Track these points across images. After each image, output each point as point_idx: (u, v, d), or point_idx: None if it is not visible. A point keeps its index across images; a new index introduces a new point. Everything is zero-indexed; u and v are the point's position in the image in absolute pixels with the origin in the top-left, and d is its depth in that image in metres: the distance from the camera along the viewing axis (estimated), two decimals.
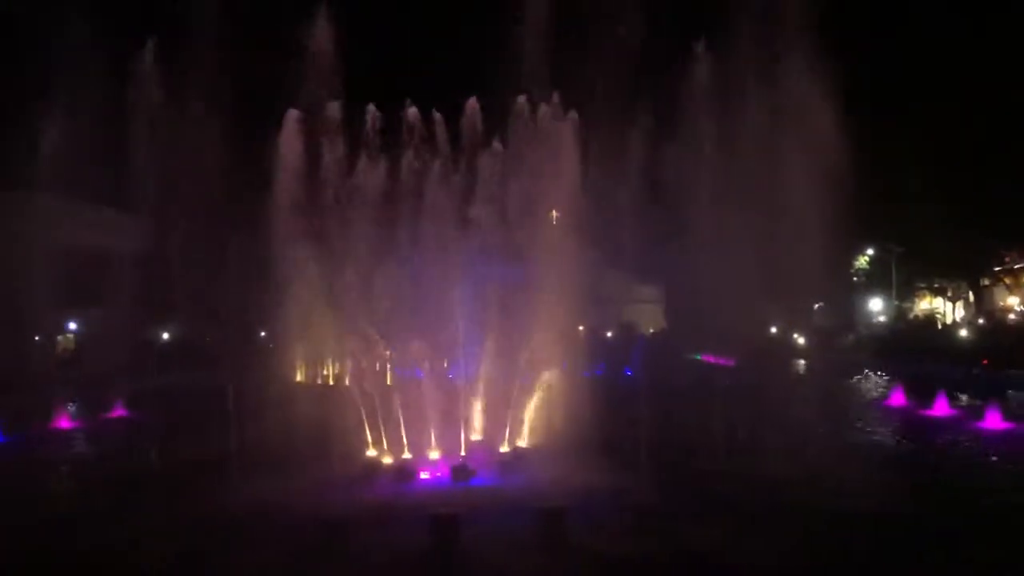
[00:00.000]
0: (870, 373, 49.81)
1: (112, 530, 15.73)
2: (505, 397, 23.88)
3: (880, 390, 40.43)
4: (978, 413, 28.23)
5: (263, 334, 57.32)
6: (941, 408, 30.86)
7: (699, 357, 54.67)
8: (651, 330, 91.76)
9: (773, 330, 44.21)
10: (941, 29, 59.86)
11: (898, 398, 34.41)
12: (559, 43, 24.53)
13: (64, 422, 27.71)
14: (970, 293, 74.89)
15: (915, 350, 51.50)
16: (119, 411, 30.83)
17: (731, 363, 50.75)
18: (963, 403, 31.14)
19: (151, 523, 15.82)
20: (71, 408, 27.32)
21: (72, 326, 52.14)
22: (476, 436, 22.31)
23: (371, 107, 23.53)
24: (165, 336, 62.21)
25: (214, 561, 14.16)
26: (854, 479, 18.75)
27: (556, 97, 24.31)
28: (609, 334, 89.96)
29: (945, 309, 79.99)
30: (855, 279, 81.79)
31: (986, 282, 73.00)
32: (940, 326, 70.36)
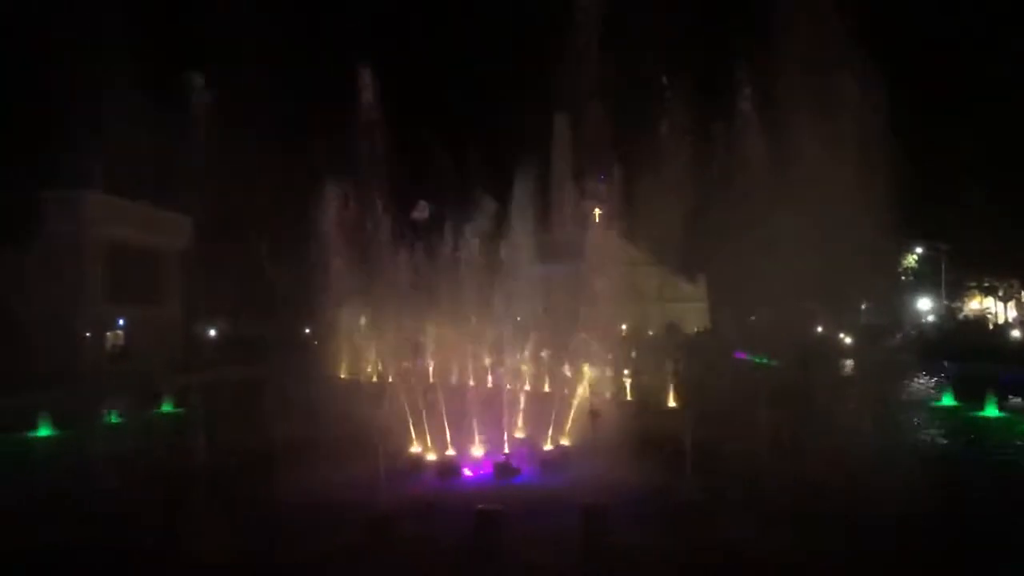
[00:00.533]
0: (919, 373, 49.16)
1: (162, 523, 16.01)
2: (549, 396, 23.98)
3: (929, 391, 39.89)
4: None
5: (307, 331, 57.95)
6: (991, 409, 30.41)
7: (757, 360, 54.19)
8: (696, 329, 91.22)
9: (820, 329, 43.78)
10: (993, 31, 59.11)
11: (947, 399, 33.97)
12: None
13: (113, 417, 28.22)
14: (1022, 293, 73.60)
15: (965, 350, 50.74)
16: (167, 406, 31.33)
17: (775, 362, 50.42)
18: (1014, 405, 30.58)
19: (201, 517, 16.04)
20: (120, 403, 27.74)
21: (121, 322, 53.01)
22: (519, 434, 22.36)
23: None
24: (212, 332, 63.10)
25: (265, 553, 14.38)
26: (895, 482, 18.61)
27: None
28: (650, 332, 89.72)
29: (996, 309, 78.67)
30: (903, 278, 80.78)
31: None
32: (991, 326, 69.27)
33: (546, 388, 30.73)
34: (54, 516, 16.91)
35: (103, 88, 53.44)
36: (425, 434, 21.67)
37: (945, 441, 26.58)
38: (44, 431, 29.30)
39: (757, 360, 53.88)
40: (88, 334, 49.58)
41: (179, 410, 28.95)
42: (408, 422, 21.83)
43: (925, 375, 47.61)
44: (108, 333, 54.90)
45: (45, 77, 49.20)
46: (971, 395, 32.36)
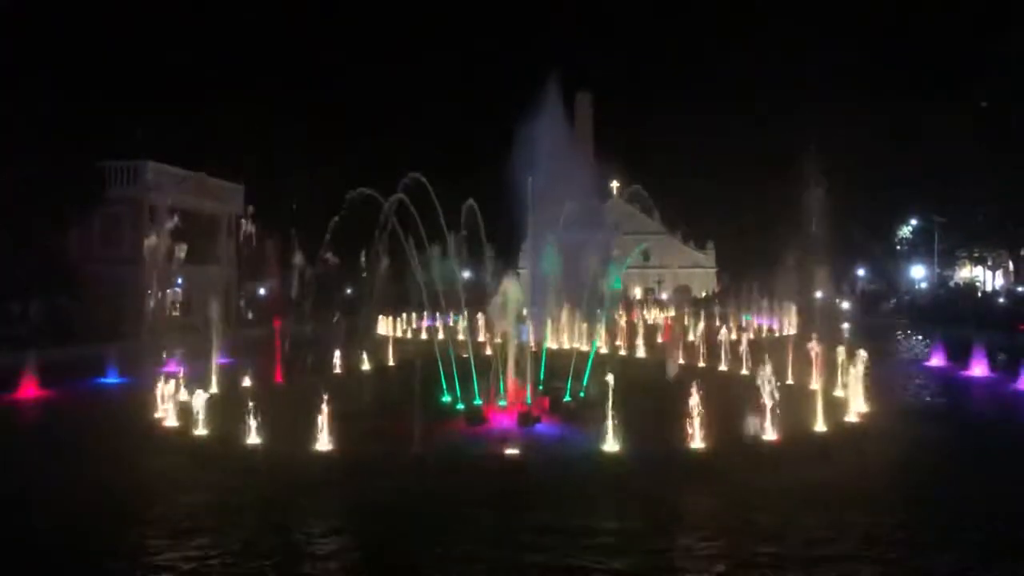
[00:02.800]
0: (911, 336, 48.93)
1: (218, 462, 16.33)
2: (569, 353, 24.12)
3: (920, 352, 39.77)
4: (1014, 376, 27.62)
5: (349, 291, 58.20)
6: (978, 370, 30.33)
7: (748, 318, 54.15)
8: (703, 294, 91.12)
9: (819, 294, 43.65)
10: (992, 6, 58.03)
11: (938, 360, 33.92)
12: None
13: (172, 366, 28.66)
14: (1010, 262, 72.75)
15: (955, 315, 50.49)
16: (222, 358, 31.79)
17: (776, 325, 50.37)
18: (999, 366, 30.44)
19: (258, 458, 16.33)
20: (179, 354, 28.09)
21: (180, 281, 53.53)
22: (541, 389, 22.49)
23: None
24: (262, 291, 63.64)
25: (312, 492, 14.68)
26: (881, 431, 18.77)
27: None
28: (664, 295, 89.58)
29: (985, 277, 77.87)
30: (898, 247, 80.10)
31: None
32: (980, 294, 68.69)
33: (567, 345, 30.84)
34: None
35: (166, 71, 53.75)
36: (457, 387, 21.94)
37: (929, 397, 26.66)
38: (112, 378, 29.86)
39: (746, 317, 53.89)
40: (150, 292, 50.08)
41: (232, 361, 29.29)
42: (442, 376, 22.10)
43: (918, 337, 47.41)
44: (168, 291, 55.48)
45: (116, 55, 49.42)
46: (959, 357, 32.33)
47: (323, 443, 15.86)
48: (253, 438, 16.76)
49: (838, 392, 21.92)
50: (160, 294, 50.57)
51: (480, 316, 35.43)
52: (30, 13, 43.33)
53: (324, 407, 15.90)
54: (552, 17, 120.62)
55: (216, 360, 26.73)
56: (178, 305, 53.92)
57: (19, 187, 40.38)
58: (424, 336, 40.90)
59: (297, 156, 68.13)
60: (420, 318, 45.87)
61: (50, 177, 41.74)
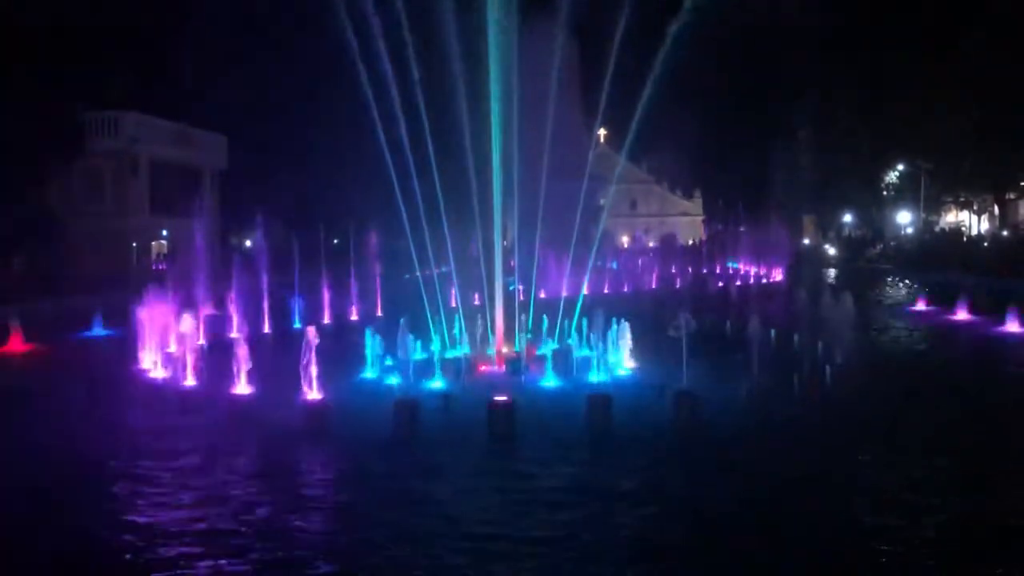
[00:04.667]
0: (897, 281, 49.22)
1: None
2: (555, 303, 24.23)
3: (906, 296, 40.08)
4: (998, 319, 27.89)
5: (336, 241, 58.06)
6: (962, 314, 30.58)
7: (735, 265, 54.39)
8: (690, 241, 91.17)
9: (806, 241, 43.82)
10: None
11: (922, 304, 34.20)
12: None
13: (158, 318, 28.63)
14: (995, 206, 73.01)
15: (940, 261, 50.76)
16: (208, 309, 31.69)
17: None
18: (983, 309, 30.71)
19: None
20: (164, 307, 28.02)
21: (165, 233, 53.25)
22: (529, 337, 22.59)
23: None
24: (248, 243, 63.34)
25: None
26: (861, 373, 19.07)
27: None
28: (651, 244, 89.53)
29: (970, 222, 78.19)
30: (885, 193, 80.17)
31: (1011, 196, 71.02)
32: (965, 238, 69.01)
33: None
34: None
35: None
36: (447, 335, 22.02)
37: (913, 341, 26.99)
38: (98, 330, 29.79)
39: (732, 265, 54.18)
40: (134, 244, 49.86)
41: (216, 312, 29.28)
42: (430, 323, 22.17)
43: (904, 282, 47.72)
44: (153, 243, 55.21)
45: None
46: (944, 301, 32.61)
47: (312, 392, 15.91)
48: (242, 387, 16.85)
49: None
50: (146, 246, 50.32)
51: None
52: None
53: (312, 356, 15.91)
54: None
55: (203, 312, 26.68)
56: (163, 257, 53.70)
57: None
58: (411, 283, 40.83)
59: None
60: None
61: (29, 129, 41.24)
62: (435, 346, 21.49)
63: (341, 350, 21.47)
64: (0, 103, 39.74)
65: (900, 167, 75.68)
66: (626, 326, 19.95)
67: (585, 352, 20.36)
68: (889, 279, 51.04)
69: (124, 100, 50.63)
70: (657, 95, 22.42)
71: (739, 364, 18.61)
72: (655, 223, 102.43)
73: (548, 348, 21.63)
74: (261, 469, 13.51)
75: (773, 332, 22.60)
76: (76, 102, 47.07)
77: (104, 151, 49.55)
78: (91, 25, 47.89)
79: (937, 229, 75.25)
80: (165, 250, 54.17)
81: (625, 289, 40.40)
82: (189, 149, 56.03)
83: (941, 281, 36.61)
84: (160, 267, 51.14)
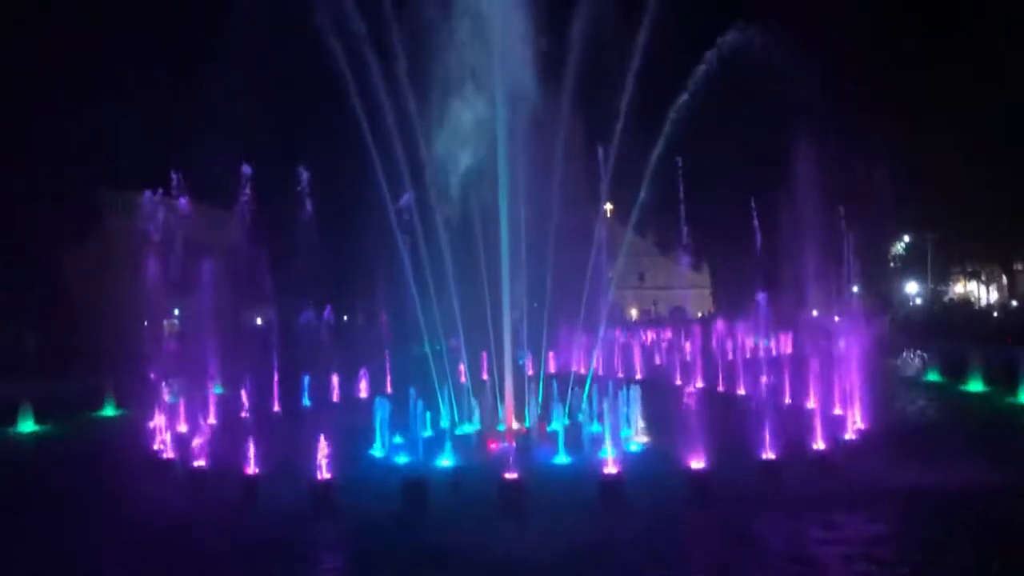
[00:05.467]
0: (908, 352, 48.87)
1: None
2: (564, 379, 24.10)
3: (918, 367, 39.73)
4: (1011, 390, 27.57)
5: (345, 318, 58.06)
6: (975, 384, 30.26)
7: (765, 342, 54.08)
8: (699, 314, 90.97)
9: (815, 312, 43.69)
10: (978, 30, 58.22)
11: (935, 375, 33.89)
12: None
13: (171, 396, 28.53)
14: (1003, 277, 72.90)
15: (950, 331, 50.46)
16: (218, 388, 31.59)
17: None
18: (996, 380, 30.38)
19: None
20: (176, 385, 27.95)
21: (176, 311, 53.38)
22: (539, 412, 22.40)
23: None
24: (259, 320, 63.46)
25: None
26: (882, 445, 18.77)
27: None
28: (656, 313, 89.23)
29: (979, 292, 77.97)
30: (892, 264, 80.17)
31: (1019, 266, 70.98)
32: (975, 309, 68.76)
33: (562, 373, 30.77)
34: None
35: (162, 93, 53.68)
36: (456, 410, 21.88)
37: (929, 411, 26.65)
38: (108, 411, 29.67)
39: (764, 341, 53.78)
40: (146, 322, 49.93)
41: (226, 390, 29.19)
42: (440, 398, 22.04)
43: (915, 352, 47.34)
44: (165, 321, 55.27)
45: (107, 85, 49.37)
46: (956, 371, 32.29)
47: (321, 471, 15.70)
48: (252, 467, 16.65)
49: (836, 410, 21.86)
50: (158, 323, 50.37)
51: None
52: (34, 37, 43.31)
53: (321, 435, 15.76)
54: None
55: (213, 390, 26.64)
56: (174, 334, 53.76)
57: (15, 217, 40.38)
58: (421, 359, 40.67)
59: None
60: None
61: (45, 208, 41.76)
62: (444, 422, 21.33)
63: (350, 427, 21.31)
64: (19, 182, 40.34)
65: (907, 238, 75.85)
66: (637, 402, 19.78)
67: (596, 428, 20.16)
68: (900, 350, 50.68)
69: (140, 179, 51.33)
70: (661, 170, 22.62)
71: (749, 434, 18.32)
72: (663, 295, 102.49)
73: (559, 424, 21.42)
74: (265, 551, 13.25)
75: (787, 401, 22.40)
76: (92, 181, 47.73)
77: (119, 229, 50.02)
78: (109, 104, 48.90)
79: (946, 299, 75.04)
80: (176, 328, 54.26)
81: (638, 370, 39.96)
82: (203, 227, 56.57)
83: (952, 352, 36.27)
84: (171, 345, 51.19)
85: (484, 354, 23.47)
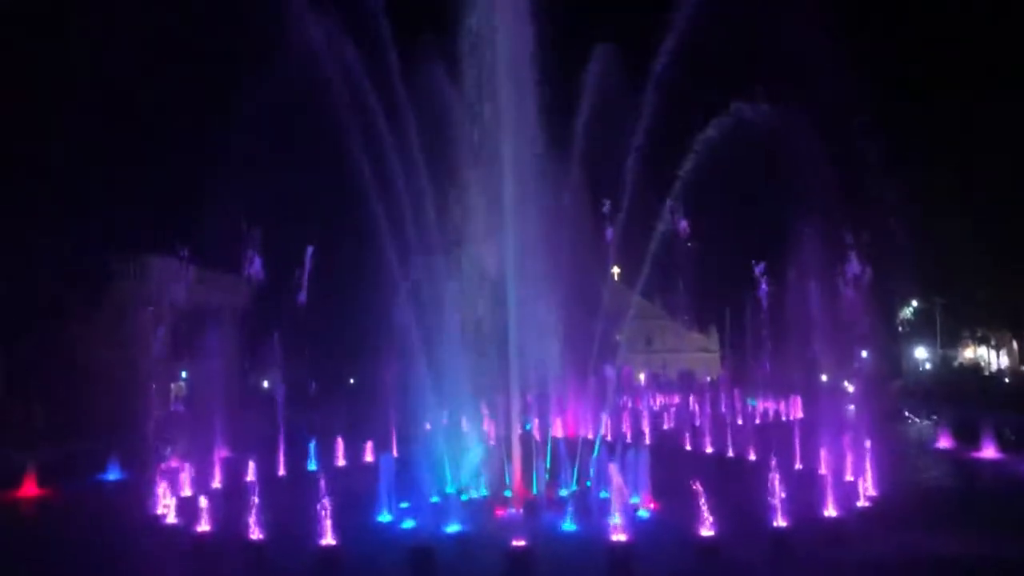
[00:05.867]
0: (918, 418, 48.46)
1: None
2: (572, 445, 23.93)
3: (929, 433, 39.32)
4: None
5: (352, 381, 57.98)
6: (988, 451, 29.91)
7: (754, 403, 53.74)
8: (708, 378, 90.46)
9: (824, 377, 43.41)
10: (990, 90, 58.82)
11: (946, 441, 33.48)
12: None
13: (174, 462, 28.38)
14: (1013, 342, 72.50)
15: (961, 397, 50.03)
16: (225, 452, 31.43)
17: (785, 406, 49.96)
18: (1009, 447, 30.03)
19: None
20: (180, 448, 27.82)
21: (184, 374, 53.38)
22: (546, 477, 22.18)
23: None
24: (266, 384, 63.33)
25: None
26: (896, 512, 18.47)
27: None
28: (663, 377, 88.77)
29: (989, 357, 77.49)
30: (900, 328, 79.89)
31: None
32: (985, 374, 68.28)
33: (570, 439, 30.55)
34: None
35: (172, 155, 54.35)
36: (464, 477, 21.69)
37: (943, 479, 26.26)
38: (113, 475, 29.46)
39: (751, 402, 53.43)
40: (153, 386, 49.87)
41: (236, 455, 29.01)
42: (449, 466, 21.84)
43: (927, 418, 46.91)
44: (172, 385, 55.22)
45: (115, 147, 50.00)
46: (968, 438, 31.92)
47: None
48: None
49: (848, 476, 21.60)
50: (165, 387, 50.33)
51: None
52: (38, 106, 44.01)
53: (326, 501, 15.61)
54: None
55: (219, 454, 26.48)
56: (180, 398, 53.67)
57: (24, 283, 40.62)
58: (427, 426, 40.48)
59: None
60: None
61: (55, 274, 42.04)
62: (451, 487, 21.12)
63: (356, 492, 21.08)
64: (27, 249, 40.68)
65: (915, 303, 75.69)
66: (645, 467, 19.58)
67: (604, 494, 19.91)
68: (910, 415, 50.25)
69: (150, 243, 51.72)
70: (668, 234, 22.75)
71: (760, 501, 18.08)
72: (672, 359, 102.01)
73: (567, 490, 21.19)
74: None
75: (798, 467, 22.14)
76: (101, 247, 48.05)
77: (128, 294, 50.26)
78: (118, 170, 49.49)
79: (956, 364, 74.56)
80: (183, 391, 54.17)
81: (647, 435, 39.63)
82: (211, 291, 56.85)
83: (963, 417, 35.91)
84: (177, 408, 51.07)
85: (491, 420, 23.37)
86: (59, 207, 43.06)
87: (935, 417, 40.02)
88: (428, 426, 24.71)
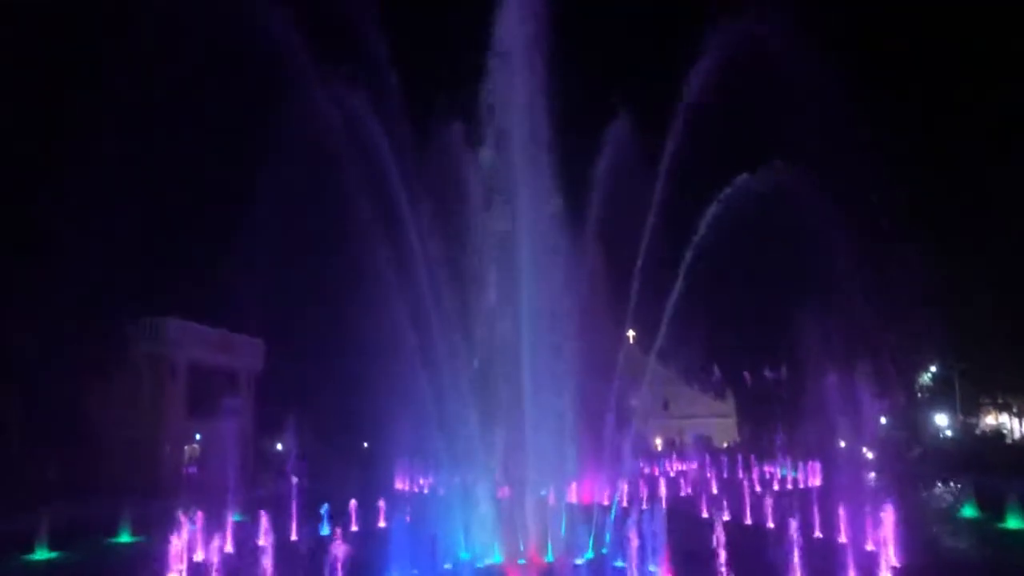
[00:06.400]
0: (940, 486, 47.71)
1: None
2: (588, 511, 23.65)
3: (951, 502, 38.62)
4: None
5: (366, 445, 57.80)
6: (1014, 521, 29.29)
7: (785, 472, 53.13)
8: (725, 443, 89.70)
9: (842, 443, 42.90)
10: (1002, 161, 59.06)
11: (970, 510, 32.85)
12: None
13: (186, 525, 28.20)
14: None
15: (983, 465, 49.30)
16: (236, 515, 31.20)
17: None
18: None
19: None
20: (193, 514, 27.63)
21: (198, 437, 53.28)
22: (562, 544, 21.88)
23: None
24: (279, 446, 63.11)
25: None
26: None
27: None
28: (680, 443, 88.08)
29: (1011, 424, 76.40)
30: (920, 395, 79.05)
31: None
32: (1008, 442, 67.30)
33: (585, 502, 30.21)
34: None
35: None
36: (475, 542, 21.38)
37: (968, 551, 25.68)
38: (124, 537, 29.25)
39: (782, 471, 52.74)
40: (168, 448, 49.82)
41: (244, 518, 28.80)
42: (460, 530, 21.58)
43: (948, 486, 46.15)
44: (186, 447, 55.13)
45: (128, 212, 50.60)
46: (992, 507, 31.30)
47: None
48: None
49: (869, 546, 21.20)
50: (179, 450, 50.25)
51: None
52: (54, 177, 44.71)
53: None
54: None
55: (231, 517, 26.28)
56: (194, 460, 53.51)
57: (39, 344, 40.86)
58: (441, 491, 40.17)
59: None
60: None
61: (72, 335, 42.29)
62: (465, 554, 20.85)
63: (368, 558, 20.83)
64: (45, 308, 41.00)
65: (933, 368, 74.99)
66: (662, 535, 19.28)
67: (620, 563, 19.61)
68: (931, 484, 49.45)
69: (166, 305, 52.07)
70: (684, 301, 22.78)
71: (779, 570, 17.74)
72: (688, 424, 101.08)
73: (582, 557, 20.88)
74: None
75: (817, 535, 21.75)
76: (119, 309, 48.38)
77: (144, 355, 50.49)
78: (136, 233, 50.03)
79: (977, 432, 73.52)
80: (197, 453, 54.04)
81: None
82: (227, 353, 57.06)
83: (986, 486, 35.25)
84: (191, 471, 50.93)
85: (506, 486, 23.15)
86: (77, 268, 43.47)
87: (958, 485, 39.28)
88: (441, 491, 24.53)
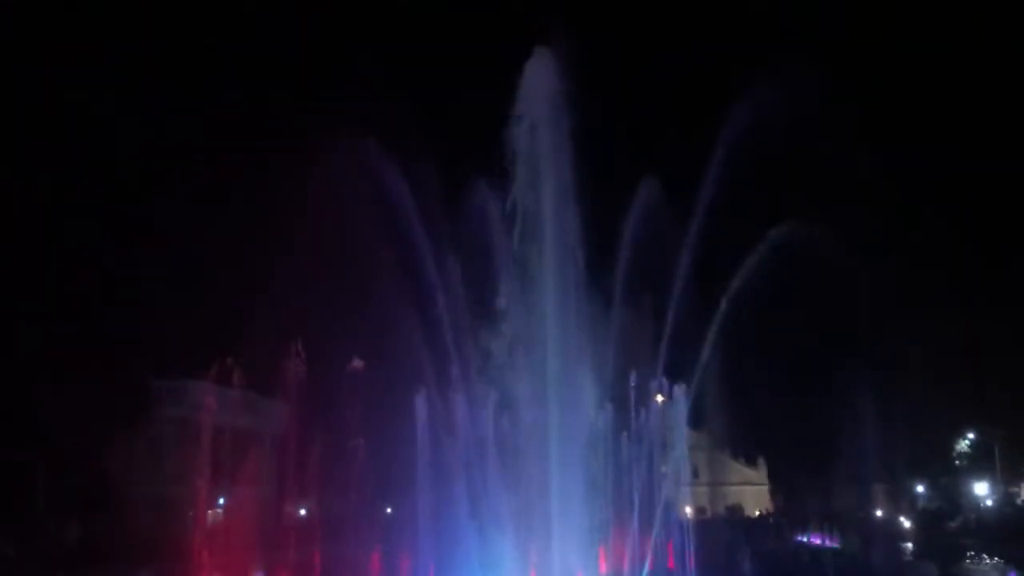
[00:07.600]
0: (982, 558, 46.59)
1: None
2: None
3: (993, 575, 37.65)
4: None
5: (389, 510, 57.26)
6: None
7: (806, 539, 52.06)
8: (757, 512, 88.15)
9: (879, 513, 42.06)
10: None
11: None
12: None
13: None
14: None
15: None
16: None
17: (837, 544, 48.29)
18: None
19: None
20: None
21: (221, 500, 53.09)
22: None
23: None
24: (303, 512, 62.66)
25: None
26: None
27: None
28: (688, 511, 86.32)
29: None
30: (957, 463, 77.53)
31: None
32: None
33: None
34: None
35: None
36: None
37: None
38: None
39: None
40: (191, 512, 49.64)
41: None
42: None
43: (990, 559, 45.04)
44: (209, 511, 54.88)
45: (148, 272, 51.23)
46: None
47: None
48: None
49: None
50: (202, 514, 50.04)
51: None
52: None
53: None
54: None
55: None
56: (219, 523, 53.26)
57: (65, 406, 41.15)
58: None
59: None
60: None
61: (97, 397, 42.59)
62: None
63: None
64: (72, 370, 41.39)
65: (971, 435, 73.65)
66: None
67: None
68: (972, 555, 48.27)
69: (188, 367, 52.36)
70: (716, 364, 22.73)
71: None
72: (719, 491, 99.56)
73: None
74: None
75: None
76: (142, 370, 48.75)
77: (168, 418, 50.69)
78: (159, 292, 50.68)
79: (1019, 501, 71.79)
80: (220, 518, 53.80)
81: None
82: (252, 416, 57.10)
83: None
84: (214, 534, 50.66)
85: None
86: (103, 328, 43.97)
87: (1000, 560, 38.32)
88: None
